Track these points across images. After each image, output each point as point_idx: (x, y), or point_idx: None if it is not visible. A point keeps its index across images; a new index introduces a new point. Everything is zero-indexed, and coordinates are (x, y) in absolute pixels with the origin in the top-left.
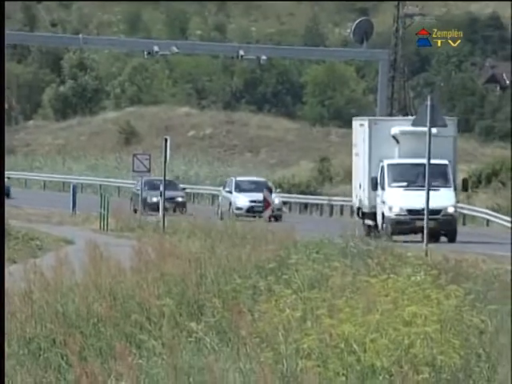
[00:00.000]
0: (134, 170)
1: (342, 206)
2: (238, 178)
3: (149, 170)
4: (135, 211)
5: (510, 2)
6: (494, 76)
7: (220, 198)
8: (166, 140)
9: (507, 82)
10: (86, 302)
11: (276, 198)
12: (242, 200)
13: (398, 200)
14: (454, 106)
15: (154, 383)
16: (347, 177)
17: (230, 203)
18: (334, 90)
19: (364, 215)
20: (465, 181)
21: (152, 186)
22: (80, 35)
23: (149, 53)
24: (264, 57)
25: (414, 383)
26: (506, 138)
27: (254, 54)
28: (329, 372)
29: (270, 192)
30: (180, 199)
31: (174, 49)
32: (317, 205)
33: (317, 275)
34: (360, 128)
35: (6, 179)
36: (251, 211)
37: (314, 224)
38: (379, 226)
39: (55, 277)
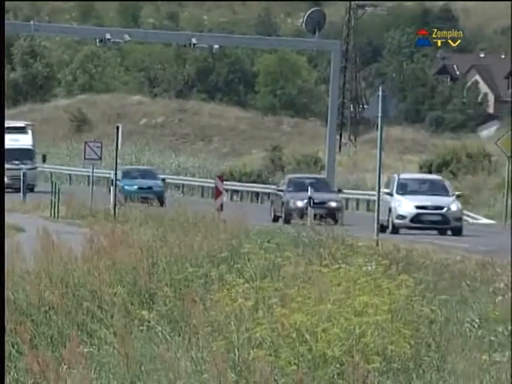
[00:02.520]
0: (85, 158)
1: None
2: (403, 176)
3: (100, 158)
4: (276, 219)
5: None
6: (445, 67)
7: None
8: (117, 128)
9: (457, 73)
10: (38, 289)
11: (454, 204)
12: (406, 205)
13: None
14: (405, 97)
15: (105, 372)
16: (299, 166)
17: (390, 209)
18: (286, 79)
19: None
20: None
21: (298, 185)
22: (31, 22)
23: (101, 40)
24: (216, 45)
25: (365, 372)
26: (456, 129)
27: (206, 42)
28: (280, 361)
29: (222, 181)
30: (333, 204)
31: (127, 37)
32: (268, 194)
33: (269, 264)
34: None
35: (160, 181)
36: (417, 221)
37: (267, 213)
38: None
39: (6, 264)
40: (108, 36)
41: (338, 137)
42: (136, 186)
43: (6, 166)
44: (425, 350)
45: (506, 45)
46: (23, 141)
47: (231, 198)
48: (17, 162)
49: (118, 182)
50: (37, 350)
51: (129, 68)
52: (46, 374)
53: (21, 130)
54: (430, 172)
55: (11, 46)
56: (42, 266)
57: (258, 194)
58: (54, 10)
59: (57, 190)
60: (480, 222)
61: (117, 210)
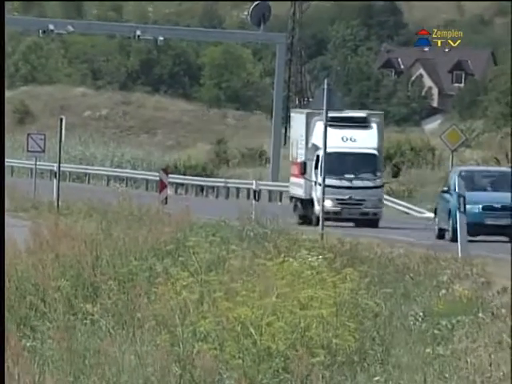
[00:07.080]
0: (28, 150)
1: (238, 188)
2: None
3: (43, 150)
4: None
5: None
6: (390, 61)
7: None
8: (61, 120)
9: (402, 66)
10: None
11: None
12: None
13: None
14: (350, 90)
15: (48, 366)
16: (243, 159)
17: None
18: (231, 72)
19: None
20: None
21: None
22: None
23: (44, 31)
24: (161, 37)
25: (309, 366)
26: (400, 123)
27: (151, 34)
28: (225, 355)
29: (166, 174)
30: None
31: (70, 28)
32: (213, 187)
33: (214, 258)
34: None
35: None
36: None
37: (211, 206)
38: None
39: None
40: (51, 27)
41: (283, 130)
42: (480, 206)
43: (331, 182)
44: (369, 344)
45: (449, 39)
46: (363, 141)
47: (176, 192)
48: (350, 177)
49: (447, 197)
50: None
51: (72, 60)
52: None
53: (360, 123)
54: None
55: None
56: None
57: (202, 187)
58: None
59: None
60: (424, 215)
61: (60, 203)
